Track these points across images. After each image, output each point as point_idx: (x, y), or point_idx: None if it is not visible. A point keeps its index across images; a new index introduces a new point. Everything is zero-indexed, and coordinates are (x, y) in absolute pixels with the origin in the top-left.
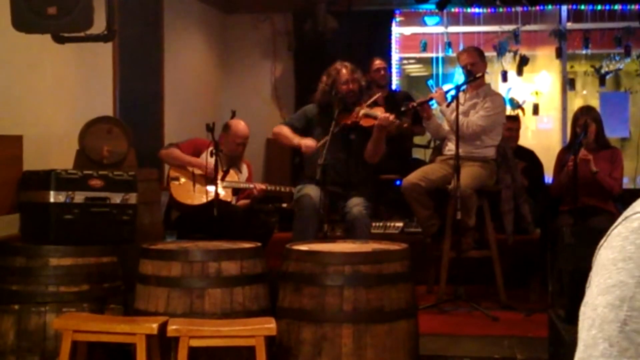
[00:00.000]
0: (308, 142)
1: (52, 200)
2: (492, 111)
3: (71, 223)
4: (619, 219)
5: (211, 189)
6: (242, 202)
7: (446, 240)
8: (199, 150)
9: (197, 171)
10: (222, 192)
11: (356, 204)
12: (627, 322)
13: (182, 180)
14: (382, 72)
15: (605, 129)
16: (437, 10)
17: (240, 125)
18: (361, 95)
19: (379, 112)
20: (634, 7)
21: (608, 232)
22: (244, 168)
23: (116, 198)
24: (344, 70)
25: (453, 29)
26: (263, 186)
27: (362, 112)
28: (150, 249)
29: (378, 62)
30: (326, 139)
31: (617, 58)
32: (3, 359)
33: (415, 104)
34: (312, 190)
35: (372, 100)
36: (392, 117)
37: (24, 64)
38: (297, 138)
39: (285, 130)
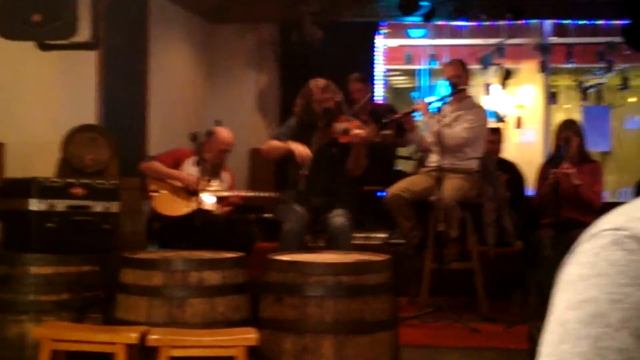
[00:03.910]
0: (301, 150)
1: (33, 208)
2: (475, 123)
3: (52, 231)
4: (585, 236)
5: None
6: (224, 209)
7: (428, 252)
8: (179, 161)
9: (178, 183)
10: (208, 200)
11: (338, 215)
12: (600, 339)
13: (163, 192)
14: (357, 95)
15: (587, 143)
16: (422, 23)
17: (224, 131)
18: (339, 110)
19: (354, 127)
20: (617, 22)
21: (574, 249)
22: (226, 176)
23: (98, 207)
24: (315, 90)
25: (438, 41)
26: (243, 193)
27: (339, 128)
28: (132, 258)
29: (353, 85)
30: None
31: (600, 72)
32: None
33: (398, 116)
34: (295, 221)
35: (358, 106)
36: (362, 133)
37: (8, 71)
38: (290, 144)
39: (275, 142)
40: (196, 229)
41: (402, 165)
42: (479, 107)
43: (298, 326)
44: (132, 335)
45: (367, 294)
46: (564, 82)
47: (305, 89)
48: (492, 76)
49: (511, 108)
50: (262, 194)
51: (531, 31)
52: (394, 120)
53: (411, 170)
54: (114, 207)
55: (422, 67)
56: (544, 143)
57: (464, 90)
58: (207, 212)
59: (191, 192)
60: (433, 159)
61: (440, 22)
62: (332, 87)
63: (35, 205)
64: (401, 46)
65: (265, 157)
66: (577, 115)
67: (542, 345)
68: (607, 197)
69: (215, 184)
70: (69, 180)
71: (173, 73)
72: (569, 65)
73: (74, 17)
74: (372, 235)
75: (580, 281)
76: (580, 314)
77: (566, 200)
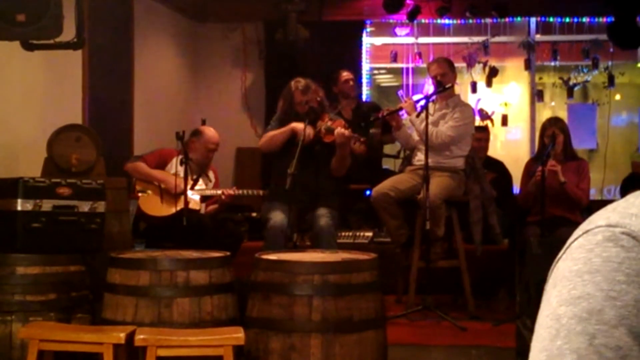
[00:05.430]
0: (300, 127)
1: (19, 208)
2: (462, 122)
3: (39, 231)
4: (578, 232)
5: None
6: (210, 207)
7: (415, 250)
8: (164, 161)
9: (163, 184)
10: (194, 198)
11: (322, 215)
12: (596, 336)
13: (149, 192)
14: (351, 83)
15: (572, 141)
16: (407, 21)
17: (211, 131)
18: (322, 109)
19: (338, 126)
20: (602, 19)
21: (566, 245)
22: (211, 175)
23: (84, 206)
24: (297, 92)
25: (423, 39)
26: (231, 191)
27: (323, 127)
28: (119, 257)
29: (346, 74)
30: (303, 137)
31: (585, 70)
32: None
33: (385, 114)
34: (279, 216)
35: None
36: (347, 132)
37: None
38: (290, 125)
39: (272, 132)
40: (183, 229)
41: (388, 164)
42: (465, 106)
43: (285, 325)
44: (119, 335)
45: (354, 293)
46: (549, 79)
47: (286, 90)
48: (477, 74)
49: (497, 106)
50: (248, 192)
51: (516, 29)
52: (380, 118)
53: (398, 169)
54: (101, 206)
55: (407, 65)
56: (530, 141)
57: (450, 88)
58: (194, 211)
59: (178, 191)
60: (419, 158)
61: (425, 20)
62: (313, 86)
63: (21, 205)
64: (386, 44)
65: (265, 150)
66: (563, 113)
67: (534, 339)
68: (593, 194)
69: (201, 184)
70: (55, 180)
71: (158, 72)
72: (555, 63)
73: (58, 17)
74: (359, 233)
75: (575, 277)
76: (575, 310)
77: (552, 198)
